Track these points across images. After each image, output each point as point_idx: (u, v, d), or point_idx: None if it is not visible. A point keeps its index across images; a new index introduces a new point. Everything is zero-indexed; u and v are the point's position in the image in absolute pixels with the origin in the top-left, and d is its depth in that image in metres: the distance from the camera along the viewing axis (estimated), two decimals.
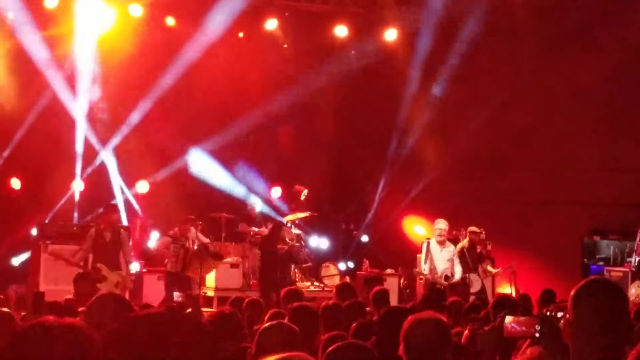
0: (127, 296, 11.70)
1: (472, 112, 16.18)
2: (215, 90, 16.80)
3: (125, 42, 16.06)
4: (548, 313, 3.53)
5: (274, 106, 17.71)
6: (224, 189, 17.46)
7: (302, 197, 18.20)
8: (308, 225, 17.52)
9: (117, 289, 11.95)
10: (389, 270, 16.33)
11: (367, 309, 8.39)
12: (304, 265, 16.68)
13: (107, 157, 16.87)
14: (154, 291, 14.06)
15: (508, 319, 4.33)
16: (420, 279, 14.29)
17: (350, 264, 17.60)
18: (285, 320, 5.46)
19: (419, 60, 16.95)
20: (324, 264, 17.04)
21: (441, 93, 17.04)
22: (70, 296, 9.97)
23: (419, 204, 17.50)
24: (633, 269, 14.02)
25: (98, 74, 16.39)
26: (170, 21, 16.77)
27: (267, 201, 17.66)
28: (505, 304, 7.24)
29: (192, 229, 14.08)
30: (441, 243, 13.58)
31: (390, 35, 17.46)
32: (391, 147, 18.07)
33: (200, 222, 15.64)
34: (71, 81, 16.21)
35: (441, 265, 13.44)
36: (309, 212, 17.09)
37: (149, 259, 15.23)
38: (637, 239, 14.29)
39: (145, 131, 16.71)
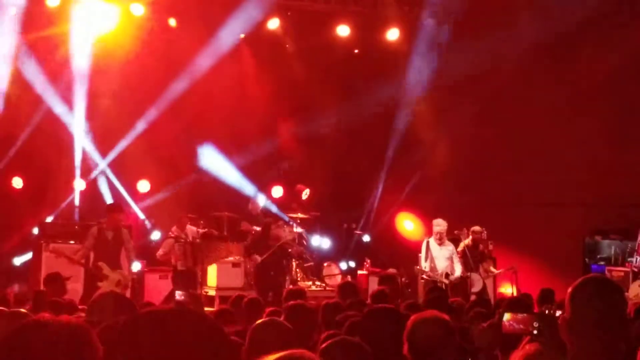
0: (128, 295, 11.70)
1: (473, 113, 16.16)
2: (217, 90, 16.80)
3: (127, 41, 16.07)
4: (547, 311, 3.54)
5: (276, 105, 17.76)
6: (232, 185, 17.48)
7: (304, 197, 18.23)
8: (310, 225, 17.53)
9: (118, 287, 11.96)
10: (390, 270, 16.32)
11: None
12: (305, 265, 16.69)
13: (109, 157, 16.86)
14: (155, 290, 14.08)
15: (506, 316, 4.33)
16: (422, 278, 14.29)
17: (352, 263, 17.59)
18: (282, 318, 5.48)
19: (419, 59, 16.93)
20: (325, 263, 17.06)
21: (441, 92, 17.01)
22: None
23: (420, 204, 17.49)
24: (635, 269, 14.03)
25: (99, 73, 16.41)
26: (172, 22, 16.77)
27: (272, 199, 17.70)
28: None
29: (188, 225, 14.23)
30: (440, 243, 13.72)
31: (392, 34, 17.46)
32: (391, 146, 18.07)
33: (202, 221, 15.69)
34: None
35: (441, 264, 13.57)
36: (310, 212, 17.14)
37: (152, 258, 15.25)
38: (639, 238, 14.30)
39: (147, 131, 16.73)
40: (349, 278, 15.43)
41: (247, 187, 17.42)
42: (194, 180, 17.20)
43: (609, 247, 15.25)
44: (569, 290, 3.23)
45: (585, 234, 15.66)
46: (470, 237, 14.43)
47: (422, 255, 13.82)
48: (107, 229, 12.80)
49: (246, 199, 16.65)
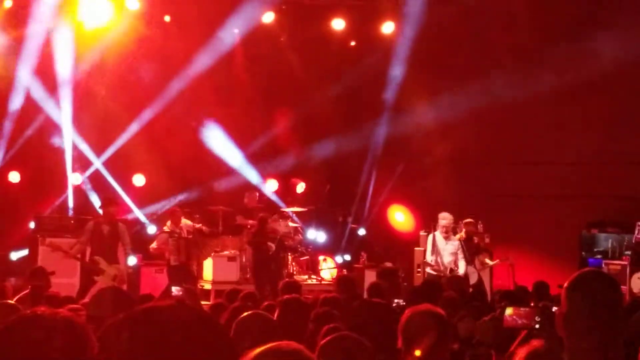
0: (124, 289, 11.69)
1: (467, 105, 16.13)
2: (212, 84, 16.80)
3: (123, 35, 16.05)
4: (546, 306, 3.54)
5: (270, 99, 17.76)
6: (236, 168, 17.51)
7: (299, 191, 18.23)
8: (305, 219, 17.53)
9: (114, 282, 11.96)
10: (387, 264, 16.32)
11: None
12: (301, 259, 16.70)
13: (104, 152, 16.82)
14: (151, 284, 14.08)
15: (508, 310, 4.33)
16: (418, 272, 14.32)
17: (347, 257, 17.61)
18: (276, 312, 5.48)
19: (414, 51, 16.89)
20: (321, 257, 17.07)
21: (436, 85, 16.97)
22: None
23: (414, 197, 17.47)
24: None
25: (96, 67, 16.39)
26: (167, 17, 16.73)
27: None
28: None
29: (182, 218, 14.23)
30: (446, 237, 13.74)
31: (388, 27, 17.43)
32: (383, 137, 18.04)
33: (198, 215, 15.67)
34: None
35: (446, 258, 13.59)
36: (305, 206, 17.16)
37: (148, 252, 15.24)
38: (636, 232, 14.31)
39: (142, 125, 16.71)
40: (344, 272, 15.46)
41: (251, 174, 17.47)
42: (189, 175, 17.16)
43: (605, 240, 15.22)
44: (565, 284, 3.22)
45: (582, 227, 15.64)
46: (464, 229, 14.41)
47: (429, 248, 13.81)
48: (103, 223, 12.80)
49: (245, 190, 16.64)
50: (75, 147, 16.53)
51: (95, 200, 16.08)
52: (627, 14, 14.90)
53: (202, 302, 11.08)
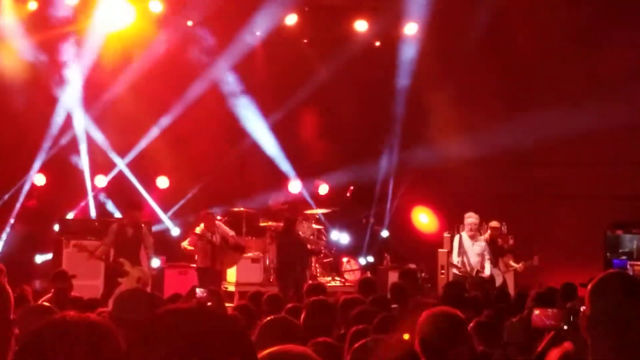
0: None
1: (494, 105, 16.07)
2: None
3: (145, 38, 16.14)
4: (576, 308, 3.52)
5: (294, 101, 17.76)
6: (271, 157, 17.67)
7: (322, 192, 18.22)
8: (328, 220, 17.52)
9: (138, 284, 12.02)
10: (410, 265, 16.27)
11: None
12: (324, 260, 16.69)
13: (128, 154, 16.91)
14: (175, 286, 14.10)
15: (536, 311, 4.30)
16: (442, 273, 14.29)
17: (371, 259, 17.57)
18: (303, 315, 5.47)
19: (437, 53, 16.85)
20: (344, 259, 17.05)
21: (461, 86, 16.92)
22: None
23: (438, 198, 17.43)
24: None
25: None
26: (189, 22, 16.78)
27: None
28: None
29: (217, 222, 14.16)
30: (472, 237, 13.64)
31: (410, 29, 17.38)
32: (402, 139, 18.02)
33: (226, 217, 15.64)
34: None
35: (473, 259, 13.50)
36: (329, 207, 17.15)
37: (172, 254, 15.29)
38: None
39: (165, 127, 16.79)
40: (368, 274, 15.44)
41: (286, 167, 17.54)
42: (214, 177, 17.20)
43: (630, 241, 15.09)
44: (589, 286, 3.19)
45: (607, 228, 15.51)
46: (489, 232, 14.35)
47: (455, 249, 13.74)
48: (127, 226, 12.88)
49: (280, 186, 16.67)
50: (99, 150, 16.64)
51: (111, 207, 16.21)
52: None
53: (226, 304, 11.11)
